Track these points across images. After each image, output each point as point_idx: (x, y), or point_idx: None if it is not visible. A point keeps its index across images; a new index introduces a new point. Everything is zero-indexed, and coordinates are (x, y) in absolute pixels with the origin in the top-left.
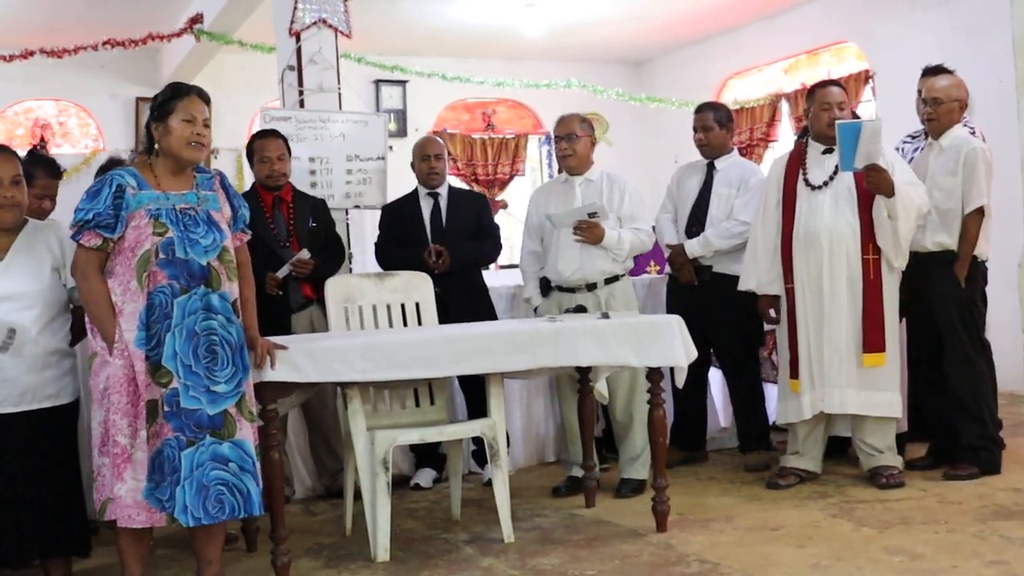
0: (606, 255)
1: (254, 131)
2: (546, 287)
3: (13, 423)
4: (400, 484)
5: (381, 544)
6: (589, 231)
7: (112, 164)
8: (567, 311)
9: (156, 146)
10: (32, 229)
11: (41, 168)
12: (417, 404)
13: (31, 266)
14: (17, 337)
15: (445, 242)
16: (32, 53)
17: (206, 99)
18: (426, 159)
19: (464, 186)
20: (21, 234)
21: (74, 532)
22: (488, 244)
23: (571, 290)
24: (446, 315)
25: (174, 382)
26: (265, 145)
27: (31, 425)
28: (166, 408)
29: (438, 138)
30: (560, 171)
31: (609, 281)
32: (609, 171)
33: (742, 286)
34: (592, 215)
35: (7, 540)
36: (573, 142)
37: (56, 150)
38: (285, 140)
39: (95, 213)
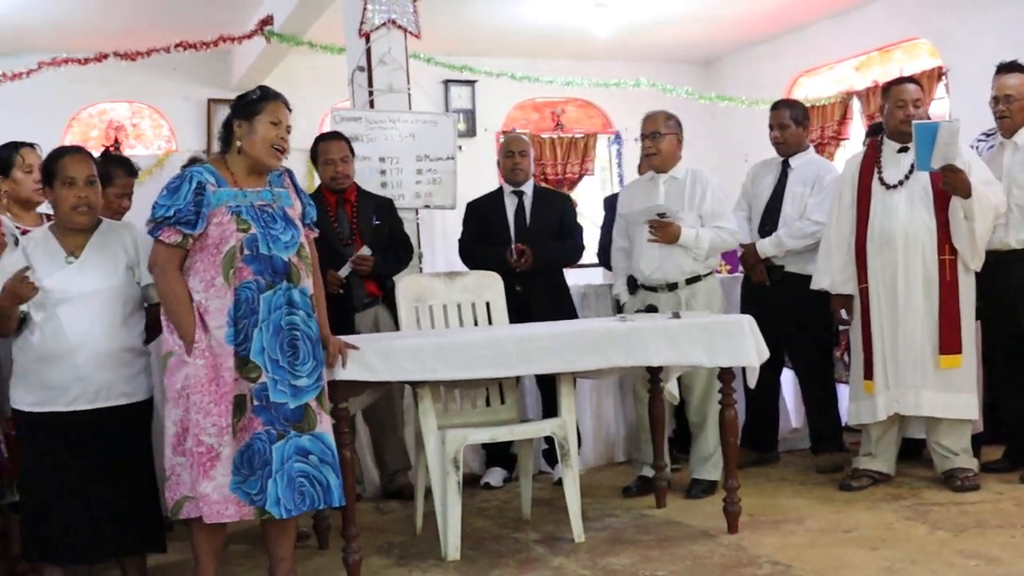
0: (687, 254)
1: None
2: (633, 285)
3: (89, 420)
4: (470, 483)
5: (451, 543)
6: (662, 230)
7: (194, 163)
8: (637, 311)
9: (238, 143)
10: (107, 228)
11: (118, 167)
12: (488, 403)
13: (106, 264)
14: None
15: (528, 241)
16: (106, 56)
17: (290, 108)
18: (510, 155)
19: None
20: (96, 233)
21: (150, 528)
22: (570, 245)
23: (653, 289)
24: (528, 314)
25: (263, 376)
26: (329, 147)
27: (106, 422)
28: (255, 402)
29: (524, 136)
30: (643, 169)
31: (691, 281)
32: (696, 168)
33: (815, 285)
34: (661, 216)
35: (84, 536)
36: (657, 140)
37: (129, 151)
38: (348, 142)
39: (176, 209)
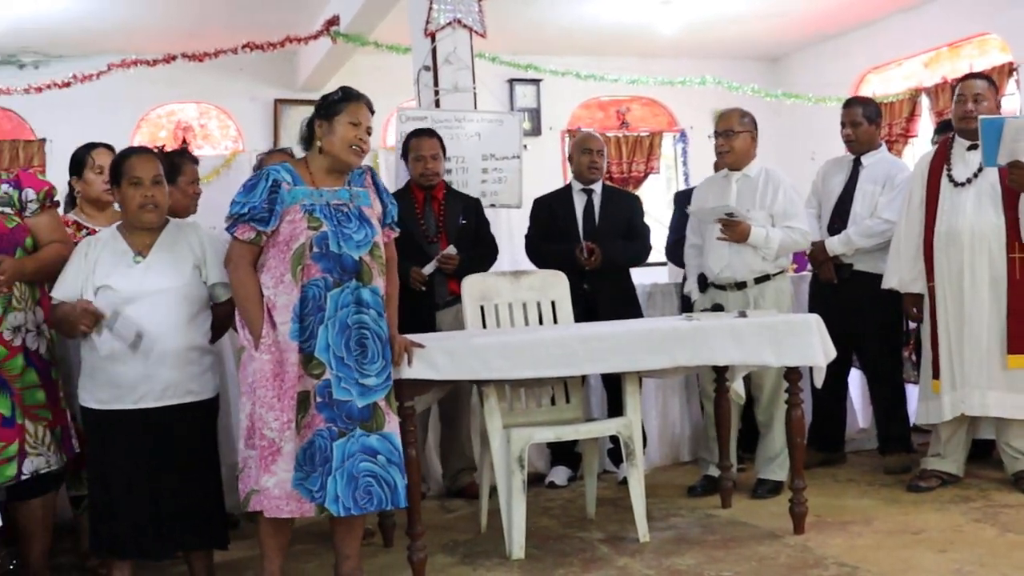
0: (756, 253)
1: (390, 131)
2: (704, 283)
3: (155, 417)
4: (535, 482)
5: (516, 541)
6: (730, 229)
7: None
8: (704, 310)
9: (318, 143)
10: (174, 228)
11: (181, 158)
12: (553, 402)
13: (173, 264)
14: (144, 341)
15: (596, 239)
16: (174, 57)
17: (372, 109)
18: (587, 152)
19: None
20: (163, 233)
21: (214, 525)
22: (639, 245)
23: (722, 287)
24: (594, 313)
25: (326, 373)
26: (420, 144)
27: (172, 419)
28: (318, 399)
29: (598, 135)
30: (718, 167)
31: (760, 280)
32: (769, 167)
33: (885, 284)
34: (730, 215)
35: (150, 533)
36: (731, 138)
37: (197, 151)
38: (440, 139)
39: (250, 207)
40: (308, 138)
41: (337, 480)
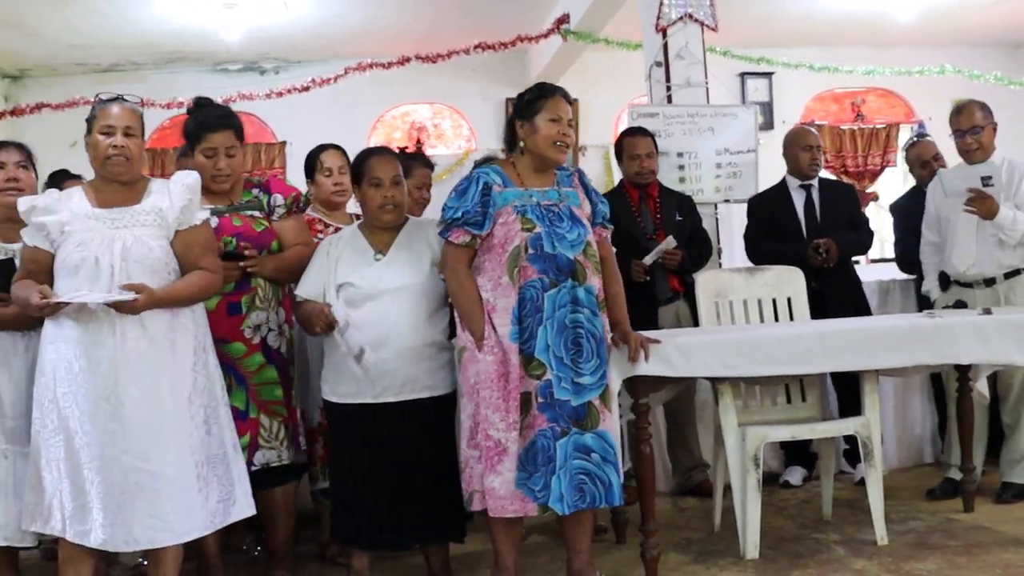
0: (1004, 247)
1: (621, 129)
2: (945, 281)
3: (395, 412)
4: (769, 481)
5: (750, 541)
6: (981, 202)
7: (487, 162)
8: (946, 307)
9: (521, 144)
10: (412, 226)
11: (414, 160)
12: (788, 400)
13: (411, 261)
14: (366, 356)
15: (822, 235)
16: (409, 59)
17: (570, 100)
18: (808, 149)
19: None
20: (402, 231)
21: (451, 518)
22: (864, 233)
23: (968, 285)
24: (823, 310)
25: (547, 374)
26: (635, 143)
27: (411, 414)
28: (540, 399)
29: (813, 130)
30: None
31: (1009, 275)
32: (1009, 156)
33: None
34: (986, 179)
35: (388, 525)
36: (979, 134)
37: (431, 151)
38: (653, 137)
39: (464, 211)
40: (511, 140)
41: (561, 479)
